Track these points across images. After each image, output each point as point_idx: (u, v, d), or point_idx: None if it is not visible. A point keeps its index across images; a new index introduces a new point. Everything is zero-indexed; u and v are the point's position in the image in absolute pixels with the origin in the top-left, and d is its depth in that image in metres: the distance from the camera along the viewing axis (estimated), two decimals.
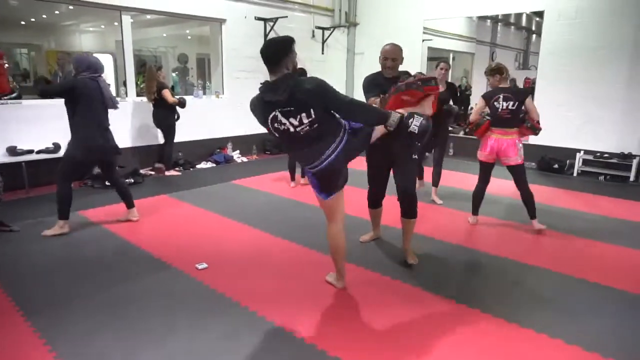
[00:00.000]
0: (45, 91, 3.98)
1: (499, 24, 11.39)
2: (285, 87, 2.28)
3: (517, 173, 4.00)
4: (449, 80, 4.85)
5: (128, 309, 2.70)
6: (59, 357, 2.21)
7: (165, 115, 6.12)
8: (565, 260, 3.47)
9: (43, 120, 5.44)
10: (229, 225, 4.23)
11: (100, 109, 3.86)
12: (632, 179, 6.19)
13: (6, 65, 3.51)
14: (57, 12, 8.57)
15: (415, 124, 2.41)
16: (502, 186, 5.32)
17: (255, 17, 7.55)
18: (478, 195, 4.24)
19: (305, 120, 2.33)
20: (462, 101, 9.77)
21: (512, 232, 4.12)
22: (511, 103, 3.86)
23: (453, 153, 8.09)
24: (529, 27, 12.02)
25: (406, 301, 2.82)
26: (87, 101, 3.74)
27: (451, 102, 4.82)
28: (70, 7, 7.37)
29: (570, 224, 4.31)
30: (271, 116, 2.38)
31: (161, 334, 2.43)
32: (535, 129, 3.94)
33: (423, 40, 8.34)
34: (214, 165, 7.04)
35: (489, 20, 10.65)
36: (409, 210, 3.30)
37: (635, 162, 6.18)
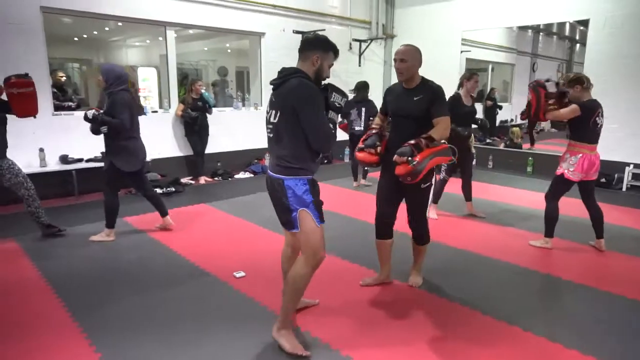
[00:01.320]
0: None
1: (541, 33, 11.10)
2: (287, 74, 2.21)
3: (593, 188, 3.80)
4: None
5: (167, 312, 2.78)
6: (103, 357, 2.30)
7: (185, 127, 6.47)
8: (613, 280, 3.31)
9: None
10: (266, 235, 4.29)
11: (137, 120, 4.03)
12: None
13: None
14: (107, 28, 9.04)
15: (337, 101, 2.25)
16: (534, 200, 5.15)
17: (293, 31, 7.69)
18: (556, 216, 3.86)
19: (272, 120, 2.23)
20: (492, 115, 9.54)
21: (557, 248, 3.95)
22: (604, 119, 3.66)
23: (492, 166, 7.89)
24: (572, 36, 11.64)
25: (440, 315, 2.78)
26: (133, 114, 3.89)
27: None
28: (119, 24, 7.76)
29: (619, 241, 4.09)
30: (269, 99, 2.30)
31: (198, 339, 2.49)
32: None
33: (461, 52, 8.24)
34: (252, 175, 7.17)
35: (530, 30, 10.40)
36: (417, 236, 3.10)
37: None
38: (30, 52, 5.15)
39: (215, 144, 6.95)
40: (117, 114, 3.77)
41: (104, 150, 4.05)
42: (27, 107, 3.71)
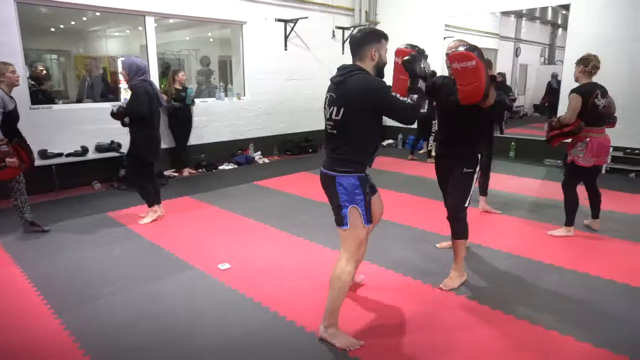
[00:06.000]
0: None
1: (523, 18, 11.15)
2: (348, 71, 2.22)
3: (597, 173, 3.82)
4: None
5: (156, 306, 2.76)
6: (88, 354, 2.28)
7: (168, 119, 6.39)
8: (595, 261, 3.38)
9: (71, 124, 5.61)
10: (251, 225, 4.28)
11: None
12: None
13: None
14: (84, 18, 8.82)
15: (427, 67, 2.34)
16: (521, 185, 5.19)
17: (275, 19, 7.60)
18: (576, 203, 3.83)
19: (334, 117, 2.22)
20: None
21: (535, 232, 4.02)
22: (606, 99, 3.60)
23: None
24: (554, 21, 11.73)
25: (442, 308, 2.78)
26: (152, 104, 4.12)
27: None
28: (97, 14, 7.57)
29: (601, 224, 4.12)
30: (326, 97, 2.32)
31: (187, 332, 2.48)
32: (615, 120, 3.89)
33: (444, 38, 8.23)
34: (236, 166, 7.12)
35: (512, 15, 10.44)
36: (452, 229, 2.99)
37: None
38: (4, 43, 5.00)
39: (199, 136, 6.88)
40: (136, 104, 4.00)
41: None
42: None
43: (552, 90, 9.43)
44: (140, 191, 4.33)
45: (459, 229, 2.96)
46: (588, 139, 3.63)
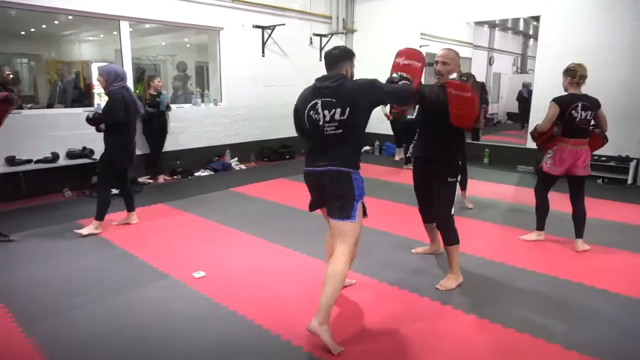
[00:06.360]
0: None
1: (496, 28, 11.45)
2: (338, 77, 2.42)
3: (580, 185, 3.76)
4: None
5: (129, 317, 2.70)
6: None
7: (143, 124, 6.25)
8: (565, 264, 3.46)
9: (42, 130, 5.46)
10: (227, 232, 4.23)
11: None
12: (629, 181, 6.20)
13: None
14: (56, 22, 8.63)
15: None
16: (496, 192, 5.29)
17: (253, 25, 7.59)
18: (545, 208, 3.90)
19: (337, 117, 2.36)
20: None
21: (512, 239, 4.09)
22: (589, 113, 3.56)
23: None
24: (526, 31, 12.08)
25: (417, 313, 2.80)
26: (128, 111, 4.10)
27: None
28: (70, 17, 7.43)
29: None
30: (311, 104, 2.43)
31: (162, 342, 2.43)
32: (606, 139, 3.74)
33: (420, 46, 8.37)
34: (212, 173, 7.05)
35: (486, 25, 10.69)
36: (443, 238, 3.14)
37: (633, 165, 6.19)
38: None
39: (174, 142, 6.79)
40: (112, 110, 3.96)
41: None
42: None
43: (523, 99, 9.69)
44: (101, 199, 4.16)
45: (449, 236, 3.08)
46: (556, 147, 3.69)
